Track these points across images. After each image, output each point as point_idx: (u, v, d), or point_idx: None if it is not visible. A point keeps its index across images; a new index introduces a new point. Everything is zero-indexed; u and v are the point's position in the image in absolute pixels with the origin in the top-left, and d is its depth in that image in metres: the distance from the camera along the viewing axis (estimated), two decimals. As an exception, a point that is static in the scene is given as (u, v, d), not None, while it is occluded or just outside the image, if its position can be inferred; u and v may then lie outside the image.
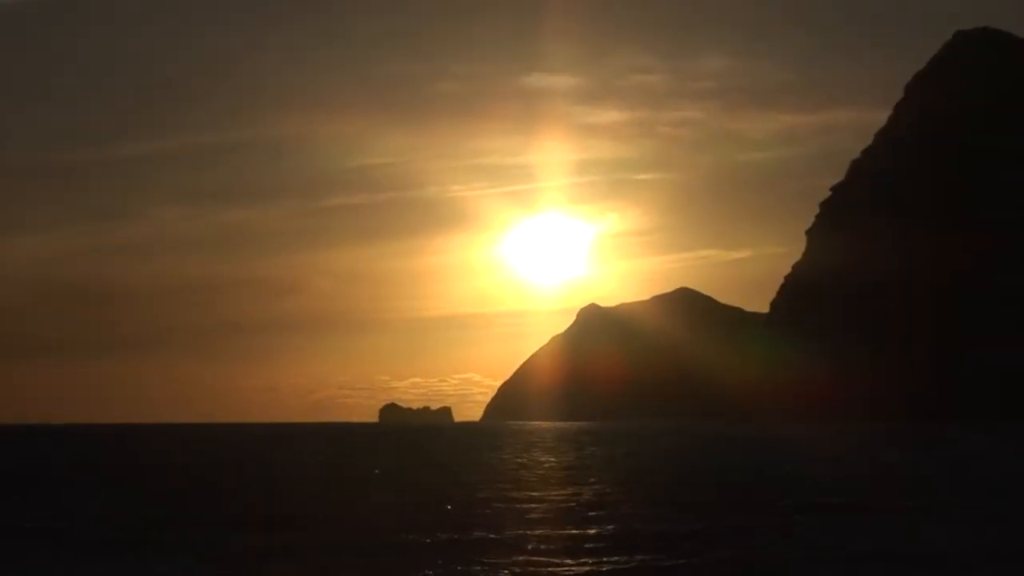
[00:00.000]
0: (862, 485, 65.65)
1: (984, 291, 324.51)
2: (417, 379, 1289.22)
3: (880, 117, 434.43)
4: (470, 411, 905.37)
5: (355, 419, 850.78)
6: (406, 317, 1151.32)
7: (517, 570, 31.79)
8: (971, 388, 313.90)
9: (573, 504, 53.11)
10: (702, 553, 34.52)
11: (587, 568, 31.94)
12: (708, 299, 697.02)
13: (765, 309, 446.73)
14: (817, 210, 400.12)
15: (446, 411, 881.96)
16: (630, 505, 52.49)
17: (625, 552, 34.97)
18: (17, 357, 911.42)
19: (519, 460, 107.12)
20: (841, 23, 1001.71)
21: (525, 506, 52.38)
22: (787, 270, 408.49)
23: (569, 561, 33.12)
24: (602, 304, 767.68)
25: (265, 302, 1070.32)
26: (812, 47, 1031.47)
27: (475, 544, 37.53)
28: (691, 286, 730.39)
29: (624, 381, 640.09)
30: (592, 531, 41.11)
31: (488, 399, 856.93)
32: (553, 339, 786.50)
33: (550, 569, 31.91)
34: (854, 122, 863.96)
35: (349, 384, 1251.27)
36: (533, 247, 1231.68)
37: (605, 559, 33.56)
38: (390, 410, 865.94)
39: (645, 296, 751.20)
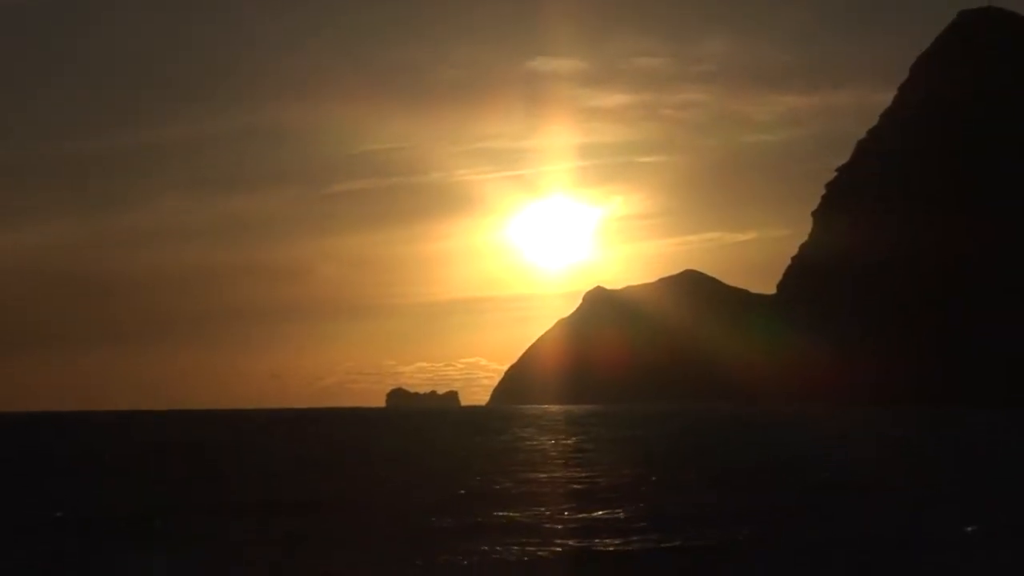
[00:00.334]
0: (872, 466, 66.17)
1: (990, 273, 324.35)
2: (423, 364, 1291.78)
3: (884, 98, 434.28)
4: (476, 395, 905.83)
5: (363, 404, 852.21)
6: (412, 302, 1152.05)
7: (546, 551, 32.28)
8: (976, 372, 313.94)
9: (592, 485, 53.59)
10: (730, 532, 35.05)
11: (618, 548, 32.44)
12: (714, 281, 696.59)
13: (771, 291, 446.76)
14: (823, 191, 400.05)
15: (453, 395, 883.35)
16: (648, 486, 53.01)
17: (654, 531, 35.46)
18: (21, 347, 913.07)
19: (531, 443, 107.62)
20: (844, 4, 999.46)
21: (545, 488, 52.89)
22: (792, 252, 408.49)
23: (597, 541, 33.65)
24: (608, 287, 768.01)
25: (270, 289, 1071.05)
26: (815, 28, 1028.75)
27: (500, 527, 38.01)
28: (697, 268, 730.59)
29: (630, 364, 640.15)
30: (617, 512, 41.61)
31: (494, 383, 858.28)
32: (559, 322, 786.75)
33: (582, 548, 32.43)
34: (858, 103, 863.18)
35: (356, 369, 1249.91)
36: (538, 231, 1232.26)
37: (636, 539, 34.04)
38: (397, 395, 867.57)
39: (651, 279, 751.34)
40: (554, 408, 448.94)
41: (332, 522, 40.40)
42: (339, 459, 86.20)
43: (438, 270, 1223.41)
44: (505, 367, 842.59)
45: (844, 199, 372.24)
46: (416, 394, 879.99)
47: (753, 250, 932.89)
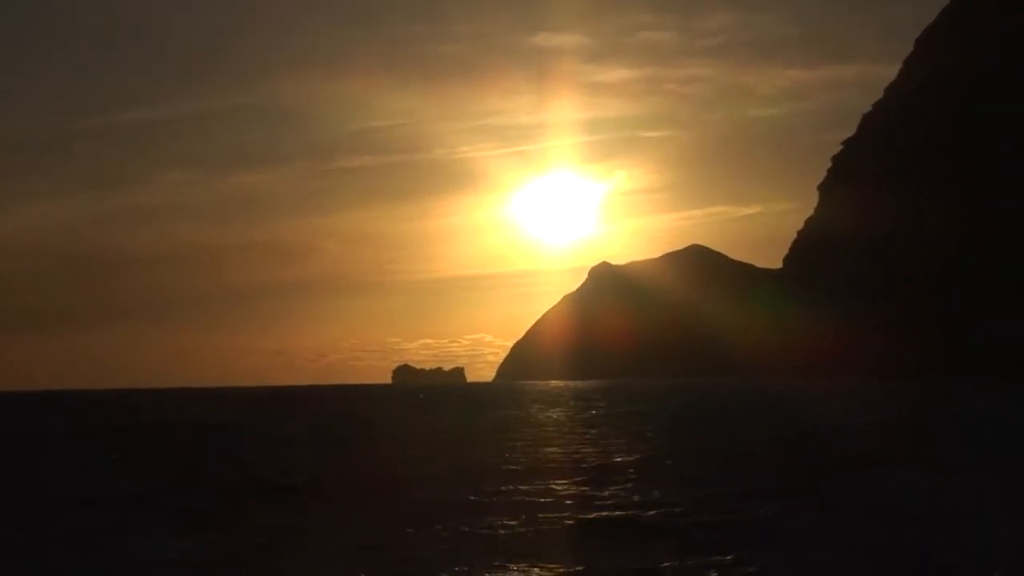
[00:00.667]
0: (887, 439, 66.13)
1: (996, 247, 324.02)
2: (428, 340, 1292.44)
3: (888, 71, 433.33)
4: (482, 371, 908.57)
5: (368, 381, 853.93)
6: (415, 279, 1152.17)
7: (572, 523, 32.30)
8: (981, 345, 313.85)
9: (608, 462, 53.59)
10: (743, 510, 35.00)
11: (652, 519, 32.44)
12: (719, 256, 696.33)
13: (776, 265, 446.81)
14: (829, 165, 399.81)
15: (459, 371, 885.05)
16: (663, 463, 53.00)
17: (679, 507, 35.44)
18: (23, 326, 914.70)
19: (541, 417, 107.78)
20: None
21: (560, 465, 52.92)
22: (797, 226, 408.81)
23: (606, 515, 33.65)
24: (613, 262, 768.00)
25: (272, 267, 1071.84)
26: (820, 1, 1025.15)
27: (521, 503, 38.04)
28: (702, 243, 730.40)
29: (636, 339, 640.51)
30: (635, 489, 41.61)
31: (499, 359, 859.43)
32: (564, 298, 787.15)
33: (608, 523, 32.42)
34: (862, 77, 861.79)
35: (360, 347, 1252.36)
36: (543, 207, 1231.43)
37: (652, 512, 34.05)
38: (403, 371, 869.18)
39: (656, 254, 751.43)
40: (560, 384, 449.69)
41: (344, 501, 40.39)
42: (364, 435, 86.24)
43: (442, 246, 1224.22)
44: (510, 343, 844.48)
45: (850, 173, 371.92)
46: (422, 370, 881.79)
47: (758, 224, 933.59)
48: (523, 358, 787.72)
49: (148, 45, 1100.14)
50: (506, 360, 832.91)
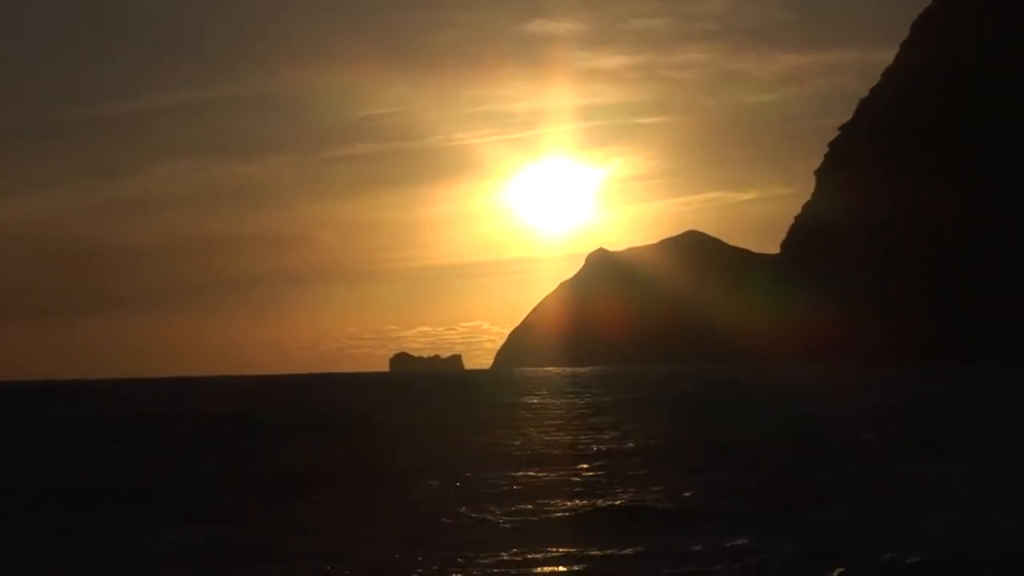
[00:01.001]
0: (887, 426, 66.39)
1: (993, 232, 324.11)
2: (425, 328, 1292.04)
3: (884, 56, 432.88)
4: (479, 359, 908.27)
5: (365, 369, 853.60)
6: (412, 267, 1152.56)
7: (588, 510, 32.51)
8: (979, 333, 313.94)
9: (616, 448, 53.82)
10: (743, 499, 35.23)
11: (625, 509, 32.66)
12: (716, 242, 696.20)
13: (773, 250, 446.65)
14: (826, 150, 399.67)
15: (456, 359, 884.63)
16: (667, 451, 53.24)
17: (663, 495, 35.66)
18: (16, 316, 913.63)
19: (544, 404, 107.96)
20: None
21: (567, 452, 53.17)
22: (794, 211, 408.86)
23: (602, 503, 33.87)
24: (610, 249, 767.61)
25: (268, 256, 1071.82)
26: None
27: (533, 490, 38.27)
28: (699, 229, 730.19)
29: (633, 325, 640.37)
30: (650, 476, 41.83)
31: (496, 346, 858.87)
32: (561, 285, 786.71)
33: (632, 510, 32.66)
34: (858, 61, 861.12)
35: (357, 335, 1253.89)
36: (539, 194, 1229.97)
37: (652, 498, 34.26)
38: (400, 359, 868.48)
39: (653, 240, 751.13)
40: (559, 371, 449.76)
41: (350, 492, 40.57)
42: (371, 423, 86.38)
43: (438, 234, 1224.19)
44: (507, 330, 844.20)
45: (847, 158, 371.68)
46: (419, 358, 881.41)
47: (755, 210, 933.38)
48: (520, 345, 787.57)
49: (141, 34, 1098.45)
50: (503, 347, 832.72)
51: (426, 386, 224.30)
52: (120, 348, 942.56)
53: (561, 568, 24.63)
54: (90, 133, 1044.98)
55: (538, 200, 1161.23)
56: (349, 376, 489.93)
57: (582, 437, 62.57)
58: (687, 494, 35.60)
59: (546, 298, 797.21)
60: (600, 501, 34.87)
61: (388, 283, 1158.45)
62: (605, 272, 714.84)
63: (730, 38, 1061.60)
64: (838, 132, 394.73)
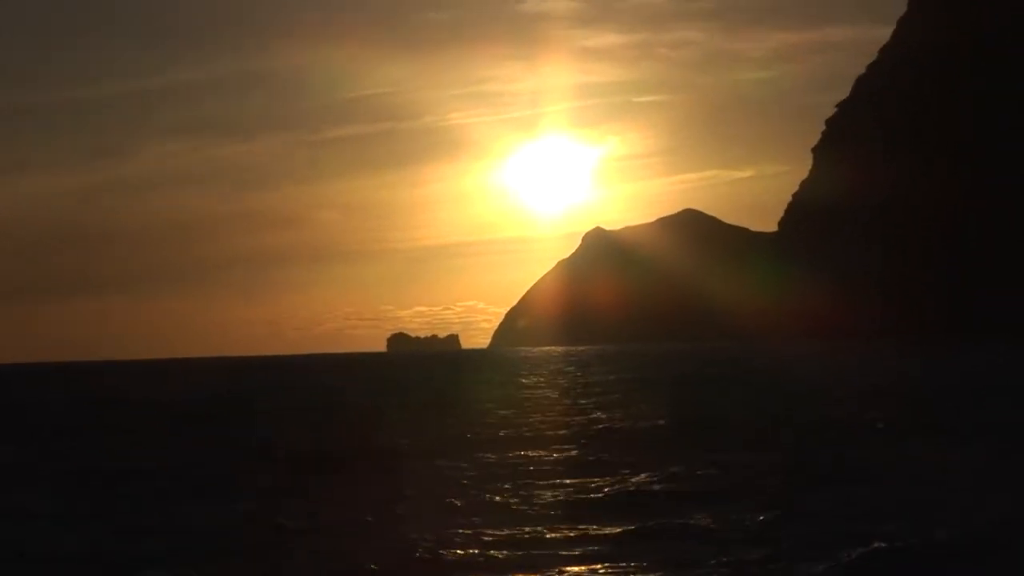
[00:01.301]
0: (885, 404, 66.47)
1: (990, 208, 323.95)
2: (421, 308, 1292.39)
3: (881, 33, 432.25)
4: (475, 338, 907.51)
5: (362, 349, 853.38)
6: (408, 247, 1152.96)
7: (615, 489, 32.54)
8: (977, 309, 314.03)
9: (624, 429, 53.85)
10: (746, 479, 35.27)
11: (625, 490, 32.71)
12: (713, 220, 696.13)
13: (769, 228, 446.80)
14: (823, 127, 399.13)
15: (454, 338, 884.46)
16: (676, 433, 53.28)
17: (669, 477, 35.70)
18: (12, 298, 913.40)
19: (545, 382, 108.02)
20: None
21: (576, 431, 53.21)
22: (790, 189, 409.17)
23: (599, 482, 33.89)
24: (607, 228, 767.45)
25: (265, 236, 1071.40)
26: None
27: (548, 471, 38.31)
28: (696, 207, 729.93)
29: (630, 304, 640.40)
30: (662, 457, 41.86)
31: (493, 326, 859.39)
32: (559, 264, 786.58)
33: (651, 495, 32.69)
34: (856, 39, 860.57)
35: (354, 315, 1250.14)
36: (535, 173, 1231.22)
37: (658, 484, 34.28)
38: (398, 339, 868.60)
39: (650, 219, 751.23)
40: (559, 350, 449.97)
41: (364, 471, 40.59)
42: (380, 404, 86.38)
43: (433, 214, 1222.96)
44: (504, 310, 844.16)
45: (844, 135, 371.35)
46: (417, 338, 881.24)
47: (751, 188, 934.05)
48: (517, 324, 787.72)
49: (135, 15, 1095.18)
50: (501, 326, 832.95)
51: (426, 366, 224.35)
52: (116, 330, 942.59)
53: (576, 550, 24.66)
54: (84, 114, 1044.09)
55: (534, 179, 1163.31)
56: (346, 357, 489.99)
57: (582, 417, 62.60)
58: (697, 473, 35.67)
59: (543, 277, 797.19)
60: (609, 480, 34.90)
61: (384, 263, 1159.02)
62: (602, 251, 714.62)
63: (726, 16, 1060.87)
64: (835, 110, 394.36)
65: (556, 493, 33.00)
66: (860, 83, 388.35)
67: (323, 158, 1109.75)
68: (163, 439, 57.04)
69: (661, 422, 57.17)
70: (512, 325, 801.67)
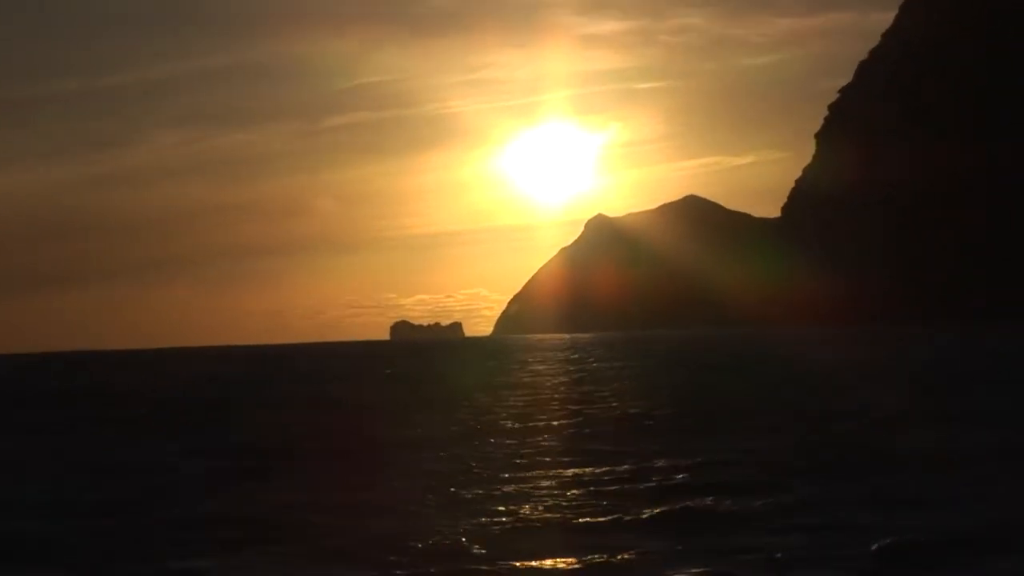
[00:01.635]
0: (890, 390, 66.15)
1: (996, 195, 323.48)
2: (424, 296, 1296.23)
3: (883, 18, 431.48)
4: (478, 326, 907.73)
5: (366, 337, 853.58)
6: (409, 235, 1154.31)
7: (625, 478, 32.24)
8: (980, 293, 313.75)
9: (631, 415, 53.56)
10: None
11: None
12: (715, 206, 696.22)
13: (771, 214, 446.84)
14: (824, 113, 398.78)
15: (457, 326, 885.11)
16: (684, 419, 52.99)
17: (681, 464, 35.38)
18: (14, 288, 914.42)
19: (550, 369, 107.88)
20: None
21: (591, 418, 52.95)
22: (791, 174, 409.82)
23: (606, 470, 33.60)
24: (609, 214, 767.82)
25: (267, 225, 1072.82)
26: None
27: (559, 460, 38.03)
28: (698, 194, 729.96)
29: (633, 291, 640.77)
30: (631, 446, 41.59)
31: (495, 314, 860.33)
32: (561, 251, 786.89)
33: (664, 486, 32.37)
34: (857, 24, 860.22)
35: (356, 303, 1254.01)
36: (537, 160, 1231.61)
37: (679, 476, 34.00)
38: (401, 327, 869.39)
39: (652, 205, 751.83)
40: (560, 337, 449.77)
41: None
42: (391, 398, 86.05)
43: (435, 202, 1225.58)
44: (506, 297, 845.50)
45: (847, 120, 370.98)
46: (420, 326, 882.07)
47: (753, 173, 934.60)
48: (521, 312, 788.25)
49: (137, 6, 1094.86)
50: (503, 314, 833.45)
51: (430, 354, 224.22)
52: (120, 319, 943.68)
53: (585, 537, 24.35)
54: (86, 104, 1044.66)
55: (536, 167, 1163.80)
56: (350, 345, 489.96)
57: (599, 405, 62.31)
58: (718, 460, 35.34)
59: (545, 265, 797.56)
60: (629, 467, 34.57)
61: (386, 251, 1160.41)
62: (605, 238, 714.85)
63: (727, 2, 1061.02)
64: (838, 95, 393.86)
65: (574, 480, 32.66)
66: (863, 68, 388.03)
67: (324, 147, 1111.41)
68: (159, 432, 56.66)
69: (675, 410, 56.85)
70: (515, 313, 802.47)
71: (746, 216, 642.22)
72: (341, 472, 37.12)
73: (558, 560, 22.45)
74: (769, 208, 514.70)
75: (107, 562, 24.01)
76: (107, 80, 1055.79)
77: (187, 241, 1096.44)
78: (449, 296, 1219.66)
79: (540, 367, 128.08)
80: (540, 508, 28.36)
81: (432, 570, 21.87)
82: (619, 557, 22.46)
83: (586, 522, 26.13)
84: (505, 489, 31.67)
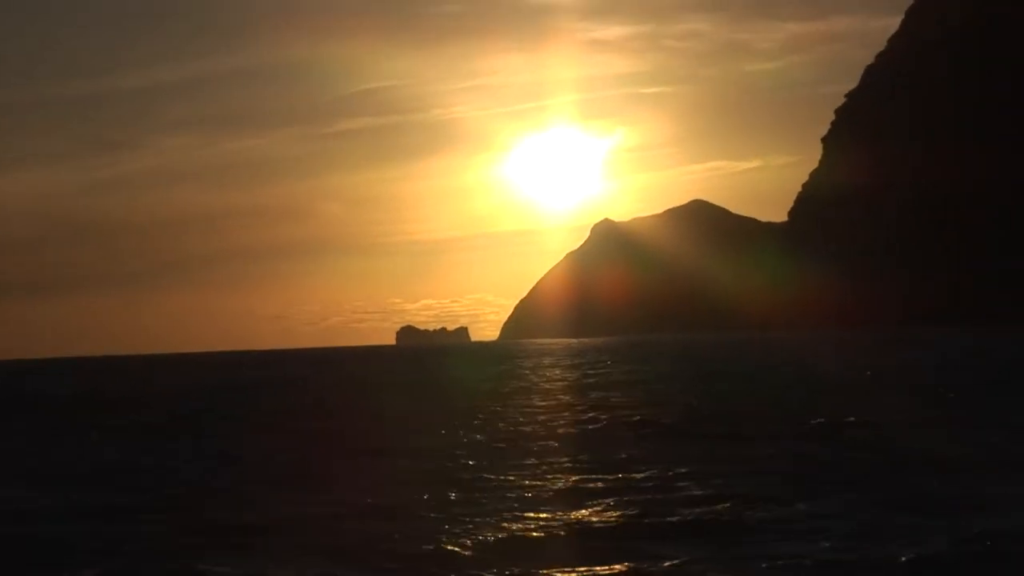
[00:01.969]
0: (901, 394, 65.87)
1: (999, 198, 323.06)
2: (429, 301, 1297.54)
3: (889, 23, 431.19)
4: (484, 331, 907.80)
5: (371, 342, 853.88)
6: (415, 240, 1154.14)
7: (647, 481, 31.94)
8: (990, 296, 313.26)
9: (644, 420, 53.25)
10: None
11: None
12: (722, 211, 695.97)
13: (778, 219, 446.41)
14: (830, 117, 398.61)
15: (463, 331, 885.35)
16: (697, 425, 52.69)
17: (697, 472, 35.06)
18: (25, 292, 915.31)
19: (560, 375, 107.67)
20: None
21: (603, 423, 52.66)
22: (798, 179, 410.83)
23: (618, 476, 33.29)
24: (615, 219, 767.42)
25: (272, 230, 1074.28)
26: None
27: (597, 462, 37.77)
28: (704, 198, 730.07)
29: (640, 295, 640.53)
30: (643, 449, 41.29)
31: (501, 319, 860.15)
32: (568, 256, 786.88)
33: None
34: (863, 29, 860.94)
35: (362, 308, 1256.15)
36: (544, 165, 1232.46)
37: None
38: (407, 332, 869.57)
39: (658, 210, 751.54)
40: (567, 342, 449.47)
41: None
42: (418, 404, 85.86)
43: (441, 207, 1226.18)
44: (512, 302, 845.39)
45: (854, 125, 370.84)
46: (426, 331, 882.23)
47: (759, 178, 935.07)
48: (527, 317, 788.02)
49: (145, 8, 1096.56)
50: (510, 319, 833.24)
51: (437, 360, 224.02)
52: (124, 324, 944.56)
53: (609, 543, 24.02)
54: (93, 108, 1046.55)
55: (542, 172, 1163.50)
56: (357, 350, 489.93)
57: (614, 411, 61.96)
58: (727, 467, 35.02)
59: (552, 269, 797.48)
60: (649, 474, 34.25)
61: (392, 256, 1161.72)
62: (611, 243, 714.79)
63: (733, 7, 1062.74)
64: (845, 99, 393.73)
65: (593, 487, 32.33)
66: (869, 73, 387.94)
67: (330, 152, 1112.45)
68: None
69: (690, 416, 56.50)
70: (521, 318, 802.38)
71: (753, 221, 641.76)
72: (350, 479, 36.83)
73: (579, 568, 22.13)
74: (776, 213, 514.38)
75: (120, 565, 23.80)
76: (112, 83, 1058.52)
77: (192, 246, 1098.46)
78: (455, 301, 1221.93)
79: (549, 372, 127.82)
80: (558, 514, 28.04)
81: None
82: (644, 566, 22.14)
83: (609, 529, 25.83)
84: (520, 495, 31.35)
